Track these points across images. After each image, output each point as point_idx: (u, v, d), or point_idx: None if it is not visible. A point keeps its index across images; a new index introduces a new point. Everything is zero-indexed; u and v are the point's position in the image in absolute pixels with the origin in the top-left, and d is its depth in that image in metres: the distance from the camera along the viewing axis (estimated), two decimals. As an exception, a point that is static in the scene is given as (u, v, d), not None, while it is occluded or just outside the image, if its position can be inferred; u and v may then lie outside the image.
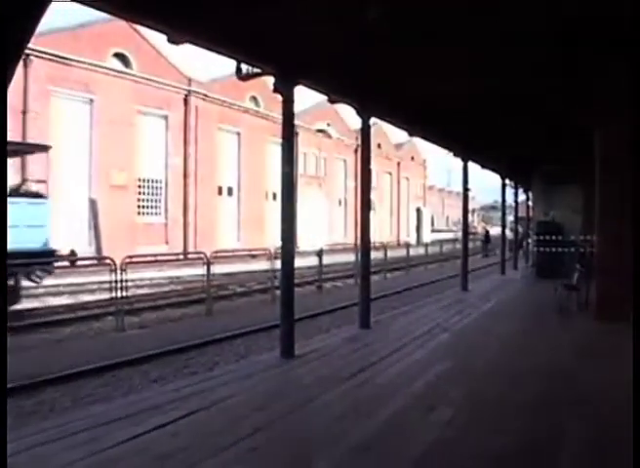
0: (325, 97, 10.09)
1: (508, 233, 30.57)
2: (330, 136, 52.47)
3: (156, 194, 36.45)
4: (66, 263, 17.88)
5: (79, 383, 8.68)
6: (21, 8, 2.81)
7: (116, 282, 13.22)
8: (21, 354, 10.35)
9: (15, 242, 13.52)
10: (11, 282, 14.78)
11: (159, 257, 26.22)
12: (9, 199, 10.95)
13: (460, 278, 17.14)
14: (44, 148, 19.17)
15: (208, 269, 15.51)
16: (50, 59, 29.62)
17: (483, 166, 20.20)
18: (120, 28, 31.20)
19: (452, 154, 17.44)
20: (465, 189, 17.65)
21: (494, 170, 21.78)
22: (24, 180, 17.55)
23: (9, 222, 10.13)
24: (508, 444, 4.79)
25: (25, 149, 19.63)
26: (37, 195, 17.01)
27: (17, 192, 16.71)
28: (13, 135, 27.53)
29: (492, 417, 5.55)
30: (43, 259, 15.22)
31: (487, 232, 46.26)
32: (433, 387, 6.63)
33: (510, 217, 33.95)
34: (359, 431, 5.13)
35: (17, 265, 13.90)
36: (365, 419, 5.46)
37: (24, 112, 28.62)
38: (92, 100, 32.19)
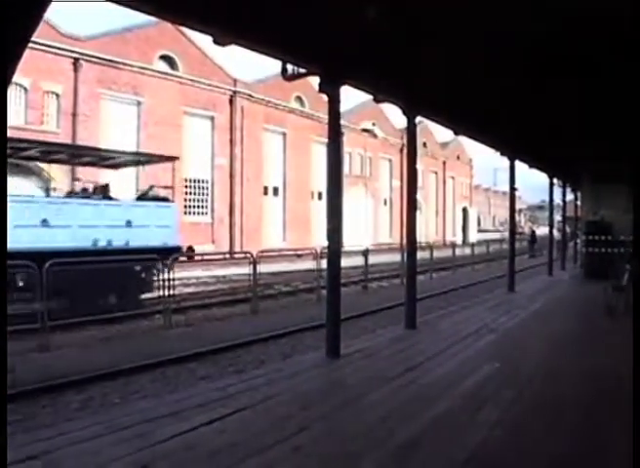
0: (370, 97, 10.06)
1: (556, 233, 30.15)
2: (375, 136, 52.35)
3: (202, 194, 36.83)
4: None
5: (127, 380, 8.81)
6: (22, 7, 2.82)
7: (164, 280, 13.38)
8: (71, 351, 10.55)
9: (144, 240, 15.85)
10: (143, 275, 16.36)
11: (205, 256, 26.45)
12: (140, 202, 14.69)
13: (507, 278, 16.94)
14: (172, 159, 21.36)
15: (254, 268, 15.60)
16: (99, 63, 30.20)
17: (530, 165, 19.91)
18: (166, 31, 31.71)
19: (498, 153, 17.24)
20: (512, 189, 17.43)
21: (541, 169, 21.46)
22: (152, 186, 19.71)
23: (140, 222, 13.81)
24: (558, 446, 4.72)
25: (154, 160, 21.76)
26: (164, 199, 18.95)
27: (145, 196, 19.04)
28: (64, 137, 28.20)
29: (541, 419, 5.46)
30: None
31: (533, 232, 45.66)
32: (481, 388, 6.56)
33: (558, 217, 33.45)
34: (405, 431, 5.10)
35: (149, 260, 15.53)
36: (411, 419, 5.42)
37: (75, 115, 29.19)
38: (139, 102, 32.69)
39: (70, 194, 18.35)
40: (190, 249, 16.95)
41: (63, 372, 8.73)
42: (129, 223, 16.06)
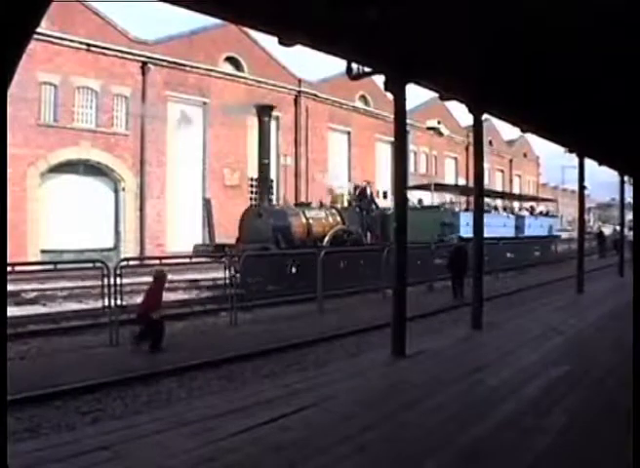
0: (435, 95, 9.99)
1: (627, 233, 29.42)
2: (441, 134, 51.82)
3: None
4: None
5: (194, 375, 8.91)
6: (22, 8, 2.83)
7: (230, 279, 13.47)
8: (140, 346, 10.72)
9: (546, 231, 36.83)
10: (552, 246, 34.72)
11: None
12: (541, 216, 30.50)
13: (576, 279, 16.57)
14: (553, 201, 42.46)
15: (319, 265, 15.56)
16: (166, 66, 30.90)
17: (600, 163, 19.37)
18: (231, 33, 32.23)
19: (567, 150, 16.88)
20: (581, 187, 17.07)
21: (612, 166, 20.87)
22: (548, 211, 40.97)
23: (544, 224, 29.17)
24: (628, 459, 4.52)
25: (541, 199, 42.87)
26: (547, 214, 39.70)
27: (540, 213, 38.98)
28: (133, 138, 28.97)
29: (611, 428, 5.26)
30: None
31: (600, 232, 44.44)
32: (547, 392, 6.44)
33: (629, 216, 32.61)
34: (469, 434, 5.05)
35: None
36: (475, 422, 5.37)
37: (143, 116, 29.89)
38: (205, 103, 33.20)
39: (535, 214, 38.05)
40: None
41: (132, 368, 8.90)
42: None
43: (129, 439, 4.92)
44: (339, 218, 22.53)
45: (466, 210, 29.55)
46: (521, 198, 41.83)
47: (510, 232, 31.62)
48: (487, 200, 33.59)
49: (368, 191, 25.93)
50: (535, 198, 46.12)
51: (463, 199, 34.32)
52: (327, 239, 20.76)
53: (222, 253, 18.22)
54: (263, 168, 21.56)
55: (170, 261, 20.82)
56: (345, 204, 25.42)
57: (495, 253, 23.86)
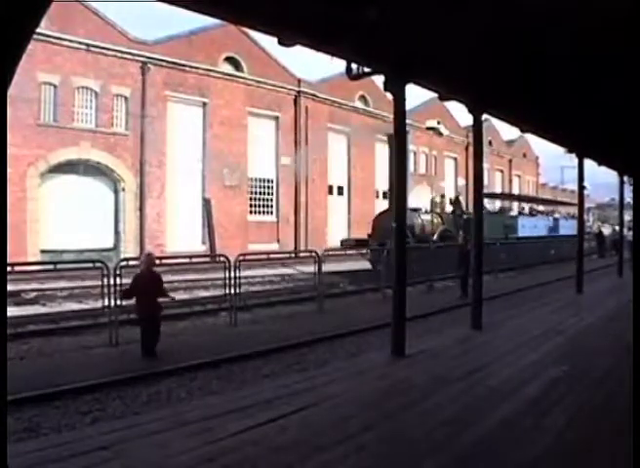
0: (434, 95, 9.98)
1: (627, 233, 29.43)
2: (441, 134, 51.74)
3: (267, 193, 37.19)
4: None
5: (194, 375, 8.92)
6: (21, 8, 2.82)
7: (229, 279, 13.47)
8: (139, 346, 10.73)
9: (568, 231, 38.20)
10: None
11: (271, 255, 26.61)
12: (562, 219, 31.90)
13: (575, 279, 16.56)
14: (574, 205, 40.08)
15: (319, 267, 15.59)
16: (166, 66, 30.93)
17: (600, 163, 19.35)
18: (231, 33, 32.26)
19: (566, 151, 16.86)
20: (581, 187, 17.05)
21: (610, 166, 20.85)
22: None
23: (565, 225, 27.99)
24: (628, 459, 4.41)
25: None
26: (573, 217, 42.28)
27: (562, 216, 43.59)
28: (133, 138, 28.99)
29: (611, 429, 5.26)
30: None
31: (600, 232, 44.26)
32: (547, 392, 6.44)
33: (627, 216, 32.60)
34: (469, 435, 5.05)
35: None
36: (475, 423, 5.37)
37: (143, 117, 29.88)
38: (205, 104, 33.23)
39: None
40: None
41: (133, 367, 8.92)
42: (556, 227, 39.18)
43: (129, 439, 4.92)
44: (440, 220, 28.34)
45: (520, 214, 37.62)
46: (551, 202, 48.51)
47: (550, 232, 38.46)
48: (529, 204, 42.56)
49: (461, 199, 33.56)
50: (569, 203, 51.82)
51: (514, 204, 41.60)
52: (435, 237, 25.89)
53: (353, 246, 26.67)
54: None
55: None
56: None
57: (541, 249, 32.90)
